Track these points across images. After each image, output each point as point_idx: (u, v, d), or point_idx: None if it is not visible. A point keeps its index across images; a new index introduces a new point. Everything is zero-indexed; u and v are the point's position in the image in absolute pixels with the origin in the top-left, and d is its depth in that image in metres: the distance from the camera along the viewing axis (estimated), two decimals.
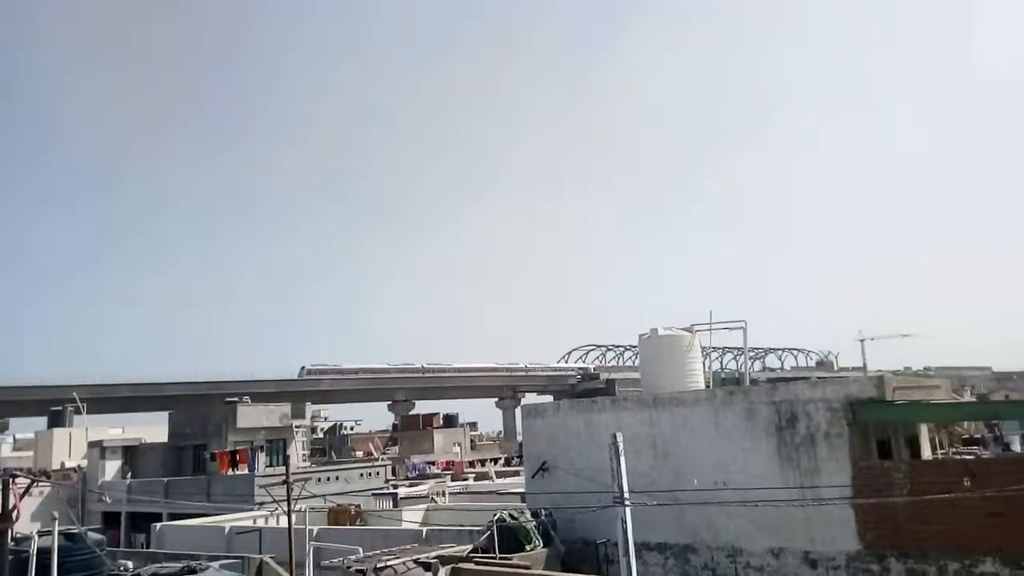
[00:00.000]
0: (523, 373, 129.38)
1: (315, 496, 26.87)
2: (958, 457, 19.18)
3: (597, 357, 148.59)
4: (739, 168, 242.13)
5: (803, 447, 17.70)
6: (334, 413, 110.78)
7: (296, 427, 43.44)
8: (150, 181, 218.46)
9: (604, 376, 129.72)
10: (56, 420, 58.99)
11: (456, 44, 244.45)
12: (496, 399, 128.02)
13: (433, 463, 63.13)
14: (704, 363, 25.96)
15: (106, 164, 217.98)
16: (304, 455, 46.30)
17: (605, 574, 19.04)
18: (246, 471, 36.16)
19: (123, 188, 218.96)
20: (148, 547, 28.71)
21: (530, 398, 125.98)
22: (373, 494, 35.68)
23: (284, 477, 21.22)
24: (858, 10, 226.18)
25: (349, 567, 18.56)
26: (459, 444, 76.93)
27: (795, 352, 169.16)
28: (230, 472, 36.20)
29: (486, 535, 19.54)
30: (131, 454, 42.08)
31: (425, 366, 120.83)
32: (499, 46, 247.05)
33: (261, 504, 29.16)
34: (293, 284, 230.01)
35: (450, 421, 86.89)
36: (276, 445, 39.82)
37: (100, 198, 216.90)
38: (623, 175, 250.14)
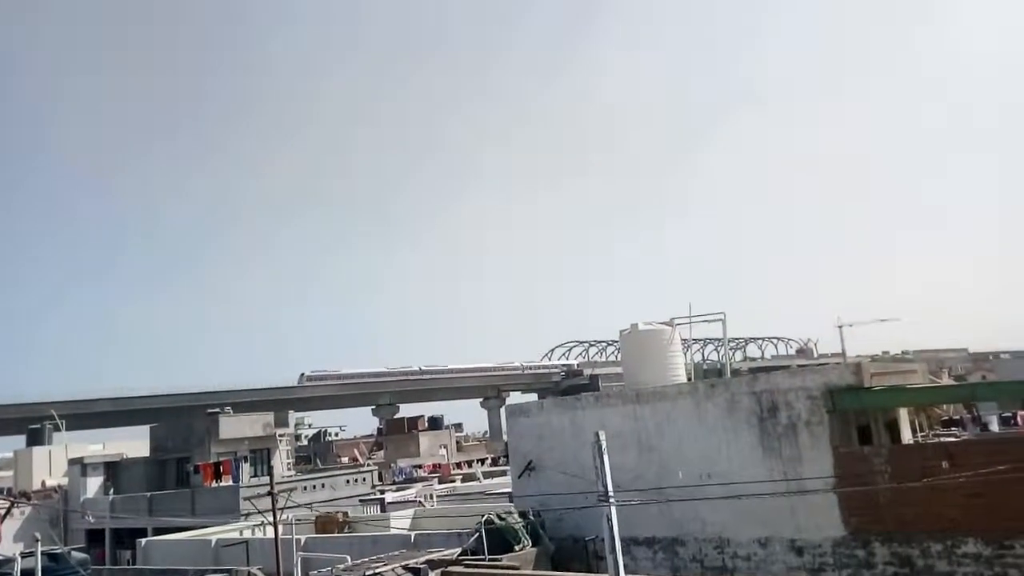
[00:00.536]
0: (507, 372, 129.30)
1: (301, 505, 26.71)
2: (936, 440, 19.41)
3: (580, 353, 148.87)
4: (712, 163, 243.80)
5: (785, 436, 17.85)
6: (318, 420, 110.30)
7: (280, 436, 43.20)
8: (134, 192, 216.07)
9: (588, 372, 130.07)
10: (35, 438, 58.37)
11: (431, 47, 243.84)
12: (481, 399, 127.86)
13: (420, 467, 62.99)
14: (685, 355, 26.11)
15: (87, 178, 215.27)
16: (289, 464, 46.12)
17: (595, 570, 19.09)
18: (230, 482, 35.87)
19: (108, 201, 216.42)
20: (134, 564, 28.43)
21: (515, 397, 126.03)
22: (360, 500, 35.56)
23: (268, 487, 21.07)
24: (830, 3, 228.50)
25: None
26: (445, 446, 76.85)
27: (775, 341, 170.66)
28: (214, 484, 35.90)
29: (475, 537, 19.52)
30: (113, 470, 41.59)
31: (423, 368, 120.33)
32: (476, 48, 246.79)
33: (247, 515, 28.95)
34: (271, 294, 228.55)
35: (435, 423, 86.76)
36: (260, 455, 39.56)
37: (83, 213, 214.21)
38: (598, 173, 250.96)
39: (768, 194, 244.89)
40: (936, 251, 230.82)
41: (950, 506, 15.10)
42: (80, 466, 41.28)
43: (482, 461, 70.08)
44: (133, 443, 47.90)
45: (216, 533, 27.25)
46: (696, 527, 18.86)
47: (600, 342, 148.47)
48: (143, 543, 28.19)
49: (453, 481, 50.00)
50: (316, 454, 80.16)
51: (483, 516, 20.21)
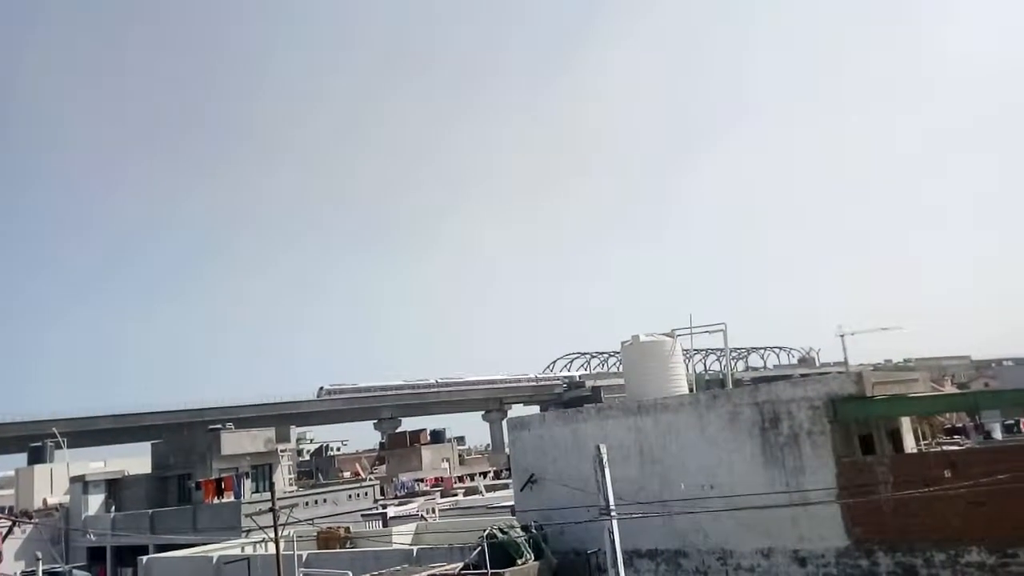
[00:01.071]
0: (509, 384, 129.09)
1: (303, 521, 26.64)
2: (939, 449, 19.37)
3: (582, 365, 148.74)
4: (714, 170, 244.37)
5: (787, 446, 17.80)
6: (320, 434, 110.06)
7: (281, 451, 43.05)
8: (136, 209, 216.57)
9: (590, 384, 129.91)
10: (37, 456, 58.00)
11: (430, 57, 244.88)
12: (483, 412, 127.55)
13: (422, 480, 62.72)
14: (687, 366, 26.07)
15: (89, 195, 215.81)
16: (291, 479, 45.91)
17: None
18: (232, 499, 35.76)
19: (110, 218, 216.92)
20: None
21: (517, 409, 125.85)
22: (362, 515, 35.41)
23: (270, 503, 21.01)
24: (826, 11, 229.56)
25: None
26: (447, 460, 76.54)
27: (777, 350, 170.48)
28: (216, 500, 35.78)
29: (477, 551, 19.45)
30: (115, 487, 41.48)
31: (439, 380, 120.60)
32: (474, 57, 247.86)
33: (248, 532, 28.84)
34: (272, 308, 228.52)
35: (437, 437, 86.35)
36: (261, 470, 39.46)
37: (84, 230, 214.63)
38: (599, 182, 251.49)
39: (769, 201, 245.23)
40: (937, 257, 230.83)
41: (953, 515, 15.05)
42: (82, 484, 41.17)
43: (484, 474, 69.79)
44: (135, 460, 47.78)
45: (218, 550, 27.14)
46: (699, 538, 18.78)
47: (602, 353, 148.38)
48: (144, 561, 28.07)
49: (455, 495, 49.82)
50: (318, 469, 79.85)
51: (485, 530, 20.14)
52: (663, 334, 24.59)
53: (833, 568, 16.80)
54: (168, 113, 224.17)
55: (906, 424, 19.79)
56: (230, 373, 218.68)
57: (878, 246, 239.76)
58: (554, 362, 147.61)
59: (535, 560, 19.56)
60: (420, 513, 35.28)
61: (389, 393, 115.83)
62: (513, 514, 24.13)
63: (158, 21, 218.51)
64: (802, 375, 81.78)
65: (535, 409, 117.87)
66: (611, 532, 13.24)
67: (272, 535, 20.34)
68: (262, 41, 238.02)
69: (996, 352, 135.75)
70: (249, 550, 26.73)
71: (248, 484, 37.61)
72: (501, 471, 67.99)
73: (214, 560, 25.45)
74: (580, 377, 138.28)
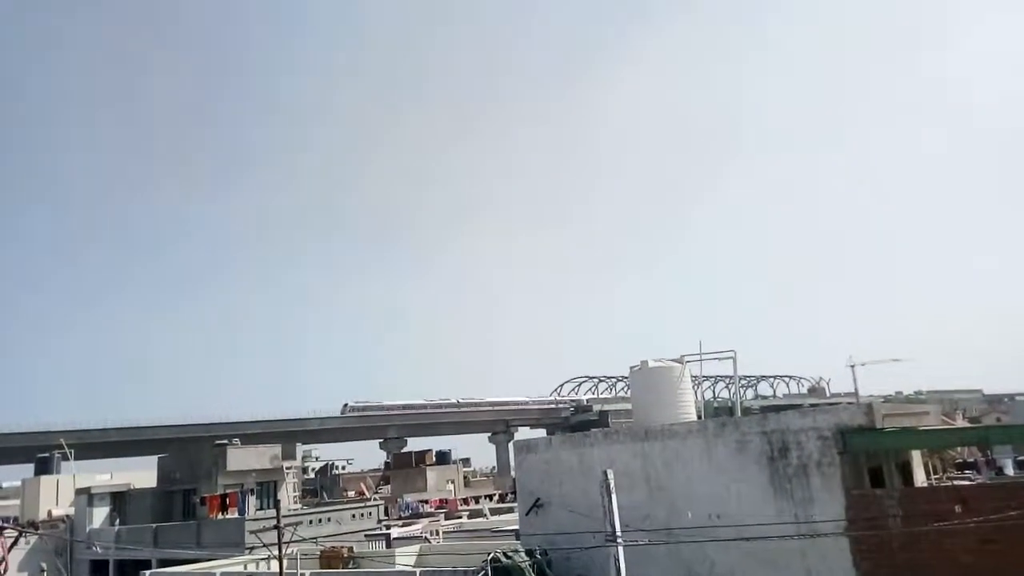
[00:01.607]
0: (516, 407, 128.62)
1: (306, 539, 26.52)
2: (950, 484, 19.14)
3: (590, 389, 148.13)
4: (726, 197, 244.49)
5: (796, 477, 17.64)
6: (326, 453, 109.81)
7: (287, 468, 42.97)
8: (138, 229, 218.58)
9: (597, 408, 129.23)
10: (43, 467, 58.09)
11: (435, 80, 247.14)
12: (489, 434, 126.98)
13: (426, 502, 62.41)
14: (696, 393, 25.95)
15: (96, 212, 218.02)
16: (295, 497, 45.76)
17: None
18: (236, 515, 35.68)
19: (113, 236, 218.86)
20: None
21: (523, 432, 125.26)
22: (366, 535, 35.21)
23: (275, 520, 20.96)
24: (827, 38, 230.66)
25: None
26: (452, 481, 76.14)
27: (787, 379, 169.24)
28: (220, 516, 35.70)
29: (481, 575, 19.31)
30: (119, 500, 41.45)
31: (460, 400, 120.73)
32: (478, 79, 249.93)
33: (252, 549, 28.73)
34: (281, 325, 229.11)
35: (443, 458, 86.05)
36: (266, 487, 39.37)
37: (92, 244, 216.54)
38: (604, 206, 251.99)
39: (785, 231, 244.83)
40: (949, 286, 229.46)
41: (963, 551, 14.85)
42: (87, 496, 41.17)
43: (489, 497, 69.39)
44: (141, 473, 47.78)
45: (221, 566, 27.02)
46: (705, 568, 18.57)
47: (610, 378, 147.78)
48: (147, 575, 27.99)
49: (460, 517, 49.52)
50: (323, 487, 79.67)
51: (489, 554, 20.01)
52: (672, 360, 24.51)
53: None
54: (177, 133, 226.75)
55: (917, 457, 19.59)
56: (238, 389, 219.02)
57: (891, 275, 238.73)
58: (561, 385, 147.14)
59: None
60: (424, 535, 35.05)
61: (410, 412, 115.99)
62: (518, 538, 23.98)
63: (176, 40, 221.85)
64: (812, 405, 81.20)
65: (541, 432, 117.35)
66: (617, 559, 13.12)
67: (275, 552, 20.27)
68: (270, 63, 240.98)
69: (1007, 385, 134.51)
70: (252, 567, 26.62)
71: (253, 500, 37.53)
72: (506, 494, 67.58)
73: None
74: (587, 401, 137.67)
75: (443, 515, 51.32)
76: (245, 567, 26.64)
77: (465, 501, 65.51)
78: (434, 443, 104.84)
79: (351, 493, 73.55)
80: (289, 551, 20.75)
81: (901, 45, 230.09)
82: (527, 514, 22.28)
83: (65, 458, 59.83)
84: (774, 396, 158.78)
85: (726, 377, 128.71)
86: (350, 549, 29.19)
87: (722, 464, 18.81)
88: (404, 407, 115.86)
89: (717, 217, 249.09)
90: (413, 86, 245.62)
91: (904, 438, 17.94)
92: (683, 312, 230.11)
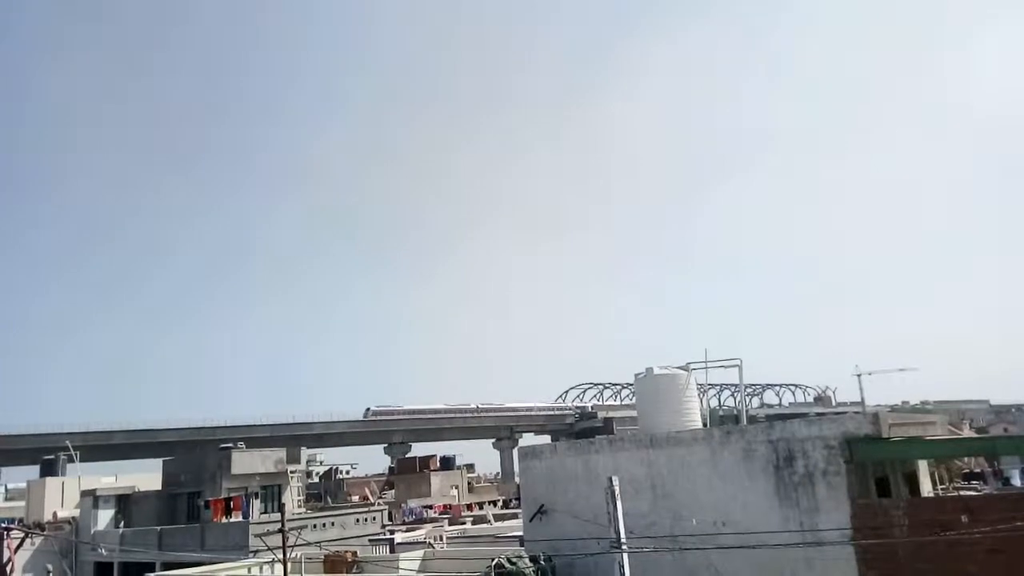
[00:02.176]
0: (521, 413, 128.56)
1: (310, 544, 26.53)
2: (956, 494, 19.07)
3: (595, 395, 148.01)
4: (731, 205, 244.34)
5: (801, 486, 17.60)
6: (330, 457, 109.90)
7: (291, 472, 43.00)
8: (146, 233, 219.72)
9: (602, 415, 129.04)
10: (49, 469, 58.30)
11: (444, 83, 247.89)
12: (493, 440, 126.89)
13: (430, 507, 62.36)
14: (701, 401, 25.93)
15: (104, 215, 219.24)
16: (299, 501, 45.81)
17: None
18: (240, 518, 35.71)
19: (121, 239, 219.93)
20: None
21: (528, 438, 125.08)
22: (369, 540, 35.20)
23: (279, 524, 20.99)
24: (830, 49, 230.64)
25: None
26: (456, 487, 76.00)
27: (793, 388, 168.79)
28: (224, 520, 35.74)
29: None
30: (124, 503, 41.51)
31: (479, 405, 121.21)
32: (488, 84, 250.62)
33: (256, 552, 28.75)
34: (287, 329, 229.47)
35: (447, 463, 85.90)
36: (271, 491, 39.39)
37: (98, 249, 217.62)
38: (615, 215, 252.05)
39: (792, 238, 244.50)
40: (956, 295, 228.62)
41: (969, 562, 14.78)
42: (92, 498, 41.26)
43: (494, 503, 69.32)
44: (146, 476, 47.91)
45: (225, 570, 27.04)
46: None
47: (615, 384, 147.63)
48: None
49: (464, 523, 49.46)
50: (327, 492, 79.60)
51: (493, 560, 19.99)
52: (677, 367, 24.50)
53: None
54: (184, 134, 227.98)
55: (923, 467, 19.53)
56: (244, 392, 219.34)
57: (897, 285, 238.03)
58: (566, 392, 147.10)
59: None
60: (428, 540, 35.03)
61: (423, 417, 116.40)
62: (522, 544, 23.95)
63: (179, 48, 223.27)
64: (818, 414, 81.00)
65: (546, 439, 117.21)
66: (621, 566, 13.11)
67: (279, 556, 20.29)
68: (277, 68, 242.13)
69: (1015, 395, 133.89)
70: (256, 571, 26.62)
71: (257, 504, 37.56)
72: (510, 500, 67.48)
73: None
74: (592, 408, 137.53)
75: (447, 520, 51.27)
76: (249, 571, 26.65)
77: (469, 507, 65.42)
78: (438, 448, 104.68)
79: (355, 498, 73.48)
80: (293, 555, 20.78)
81: (901, 47, 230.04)
82: (531, 520, 22.27)
83: (70, 460, 60.05)
84: (780, 405, 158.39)
85: (732, 385, 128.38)
86: (354, 554, 29.21)
87: (728, 472, 18.78)
88: (418, 411, 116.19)
89: (723, 224, 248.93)
90: (422, 90, 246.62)
91: (910, 448, 17.89)
92: (688, 320, 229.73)
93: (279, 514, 24.27)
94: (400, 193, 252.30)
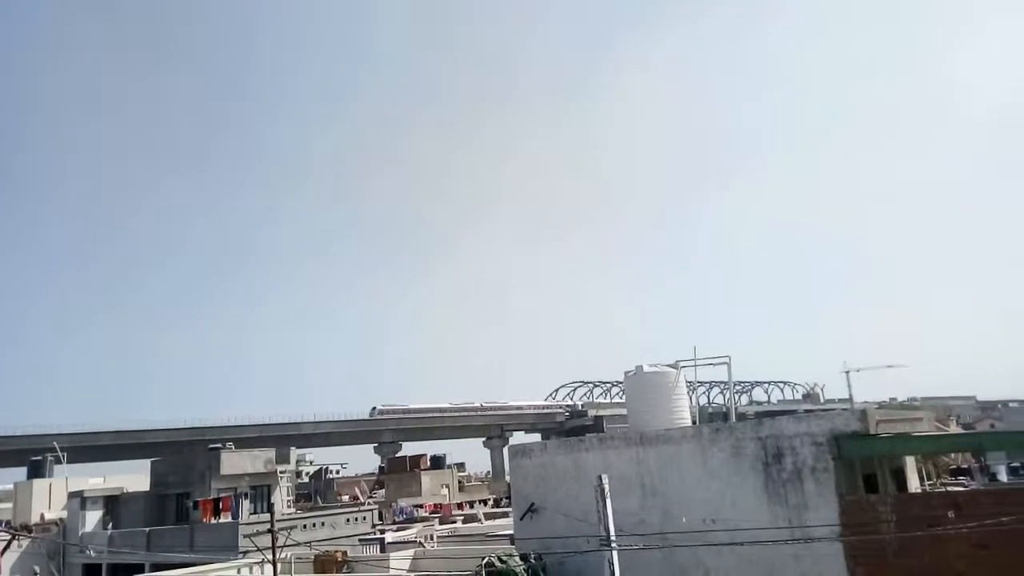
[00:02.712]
0: (511, 411, 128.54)
1: (300, 544, 26.44)
2: (943, 489, 19.21)
3: (585, 394, 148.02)
4: (722, 205, 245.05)
5: (790, 483, 17.69)
6: (320, 457, 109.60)
7: (281, 473, 42.80)
8: (146, 233, 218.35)
9: (592, 413, 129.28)
10: (36, 470, 57.73)
11: (444, 82, 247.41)
12: (484, 439, 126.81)
13: (421, 506, 62.27)
14: (690, 398, 26.00)
15: (104, 215, 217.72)
16: (289, 501, 45.60)
17: None
18: (230, 519, 35.53)
19: (121, 239, 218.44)
20: None
21: (518, 437, 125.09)
22: (360, 540, 35.13)
23: (268, 525, 20.91)
24: (827, 50, 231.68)
25: None
26: (447, 486, 75.96)
27: (781, 385, 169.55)
28: (213, 520, 35.55)
29: None
30: (112, 504, 41.20)
31: (483, 404, 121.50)
32: (486, 82, 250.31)
33: (245, 553, 28.62)
34: (277, 330, 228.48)
35: (438, 462, 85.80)
36: (260, 491, 39.20)
37: (98, 249, 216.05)
38: (608, 214, 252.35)
39: (779, 238, 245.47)
40: (945, 294, 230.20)
41: (957, 557, 14.90)
42: (79, 499, 40.92)
43: (484, 502, 69.27)
44: (134, 477, 47.51)
45: (214, 571, 26.92)
46: (699, 573, 18.59)
47: (605, 383, 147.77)
48: None
49: (454, 522, 49.41)
50: (317, 492, 79.31)
51: (484, 558, 20.01)
52: (667, 365, 24.56)
53: None
54: (184, 134, 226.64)
55: (910, 463, 19.65)
56: (232, 393, 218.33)
57: (886, 283, 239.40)
58: (557, 390, 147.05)
59: None
60: (418, 539, 34.98)
61: (434, 416, 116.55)
62: (512, 543, 23.97)
63: (179, 48, 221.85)
64: (806, 411, 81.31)
65: (537, 437, 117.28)
66: (611, 564, 13.13)
67: (269, 557, 20.22)
68: (278, 68, 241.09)
69: (1001, 392, 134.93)
70: (246, 571, 26.52)
71: (246, 505, 37.38)
72: (501, 499, 67.46)
73: None
74: (583, 406, 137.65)
75: (438, 520, 51.21)
76: (239, 571, 26.54)
77: (460, 506, 65.35)
78: (429, 448, 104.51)
79: (345, 497, 73.29)
80: (283, 555, 20.71)
81: (900, 47, 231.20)
82: (522, 518, 22.29)
83: (58, 461, 59.53)
84: (769, 402, 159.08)
85: (721, 383, 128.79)
86: (344, 553, 29.15)
87: (717, 469, 18.85)
88: (421, 410, 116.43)
89: (713, 224, 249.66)
90: (421, 90, 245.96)
91: (898, 444, 18.01)
92: (678, 318, 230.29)
93: (268, 514, 24.19)
94: (400, 193, 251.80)
